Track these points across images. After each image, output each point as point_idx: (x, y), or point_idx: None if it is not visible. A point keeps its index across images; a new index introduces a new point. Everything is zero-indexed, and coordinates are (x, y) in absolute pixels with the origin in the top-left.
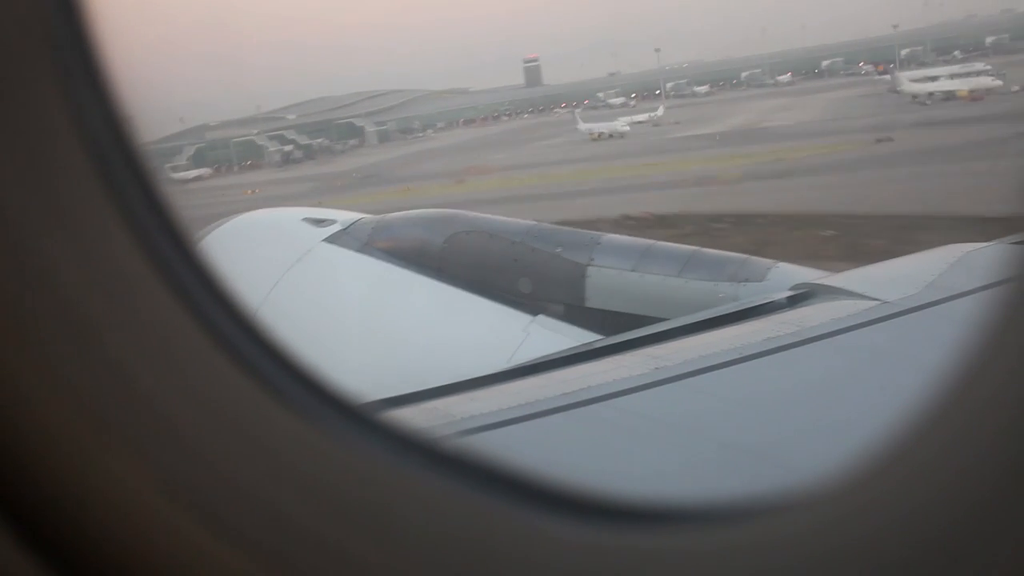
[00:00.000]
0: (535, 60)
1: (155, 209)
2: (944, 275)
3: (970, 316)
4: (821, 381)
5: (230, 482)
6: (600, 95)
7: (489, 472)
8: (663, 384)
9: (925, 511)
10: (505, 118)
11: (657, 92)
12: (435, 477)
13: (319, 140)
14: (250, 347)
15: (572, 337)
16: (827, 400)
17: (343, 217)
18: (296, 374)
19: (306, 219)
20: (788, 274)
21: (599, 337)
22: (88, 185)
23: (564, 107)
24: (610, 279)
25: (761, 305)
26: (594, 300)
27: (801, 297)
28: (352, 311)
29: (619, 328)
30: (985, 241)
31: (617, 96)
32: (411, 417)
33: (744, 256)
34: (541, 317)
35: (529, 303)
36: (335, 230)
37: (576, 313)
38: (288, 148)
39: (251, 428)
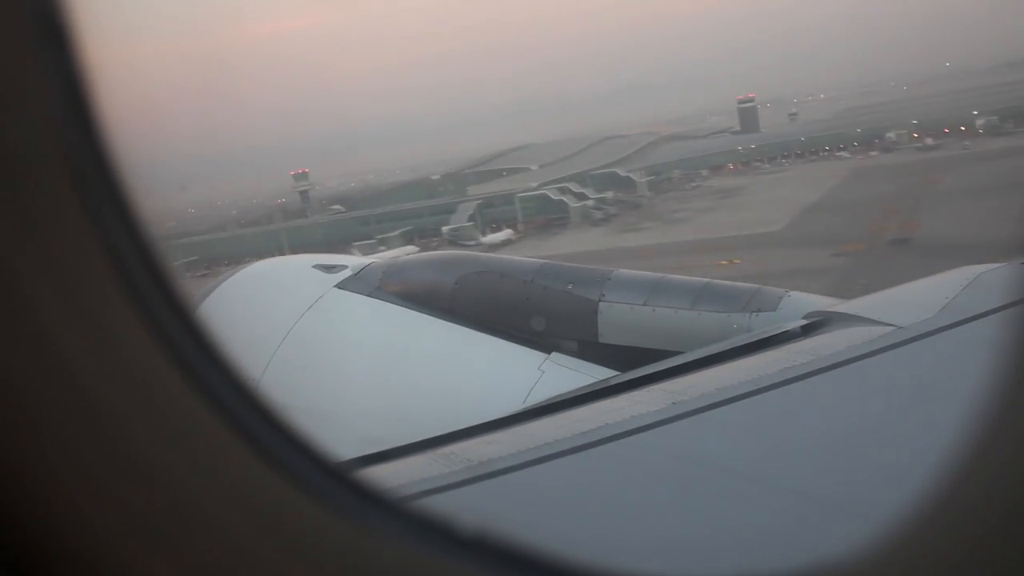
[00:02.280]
0: (751, 101)
1: (169, 301)
2: (958, 297)
3: (988, 338)
4: (840, 411)
5: (244, 561)
6: (891, 135)
7: (514, 557)
8: (681, 419)
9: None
10: (763, 164)
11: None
12: (454, 560)
13: (607, 193)
14: (265, 431)
15: (587, 374)
16: (847, 430)
17: (354, 262)
18: (313, 457)
19: (317, 265)
20: (800, 303)
21: (614, 373)
22: (104, 279)
23: (844, 149)
24: (622, 314)
25: (775, 335)
26: (607, 336)
27: (815, 326)
28: (366, 355)
29: (634, 363)
30: (998, 262)
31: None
32: (428, 463)
33: (756, 286)
34: (555, 355)
35: (543, 341)
36: (346, 275)
37: (590, 349)
38: (589, 203)
39: (267, 510)
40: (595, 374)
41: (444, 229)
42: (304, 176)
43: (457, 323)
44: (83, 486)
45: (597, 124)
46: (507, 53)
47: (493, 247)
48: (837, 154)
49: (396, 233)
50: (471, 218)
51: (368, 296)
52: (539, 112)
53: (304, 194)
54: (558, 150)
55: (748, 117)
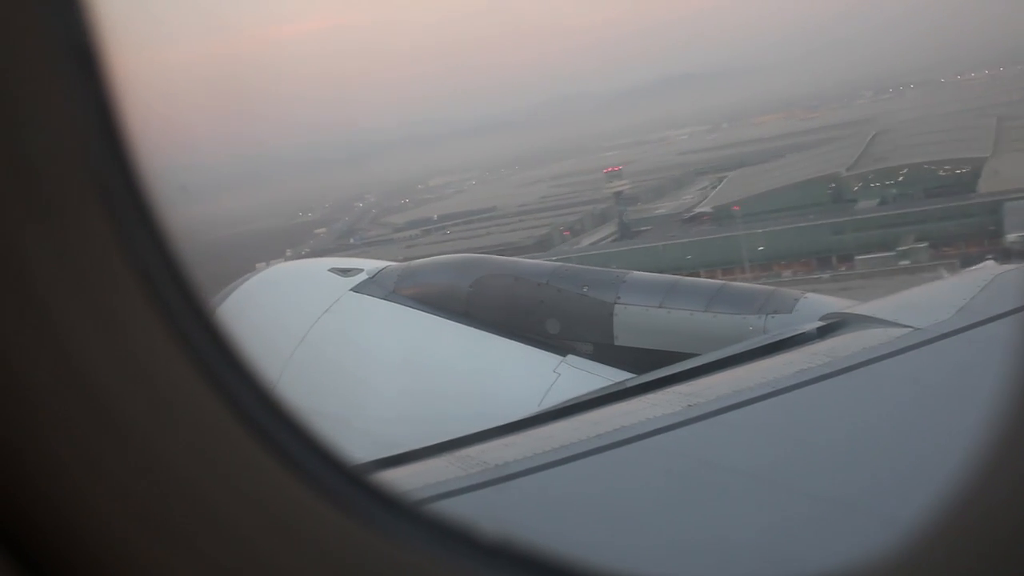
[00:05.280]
0: None
1: (190, 306)
2: (975, 299)
3: (1006, 340)
4: (857, 413)
5: (260, 563)
6: None
7: (535, 565)
8: (696, 422)
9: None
10: None
11: None
12: (476, 567)
13: None
14: (283, 433)
15: (603, 376)
16: (864, 433)
17: (369, 266)
18: (330, 461)
19: (333, 269)
20: (816, 305)
21: (630, 375)
22: (128, 287)
23: None
24: (638, 316)
25: (791, 337)
26: (623, 338)
27: (831, 327)
28: (382, 358)
29: (649, 365)
30: (1016, 262)
31: None
32: (446, 466)
33: (771, 288)
34: (571, 357)
35: (558, 344)
36: (362, 279)
37: (605, 352)
38: None
39: (284, 513)
40: (611, 376)
41: (1012, 237)
42: (618, 174)
43: (472, 326)
44: (101, 488)
45: (654, 117)
46: (534, 51)
47: None
48: None
49: (921, 244)
50: None
51: (384, 300)
52: (581, 108)
53: (619, 195)
54: (928, 138)
55: None
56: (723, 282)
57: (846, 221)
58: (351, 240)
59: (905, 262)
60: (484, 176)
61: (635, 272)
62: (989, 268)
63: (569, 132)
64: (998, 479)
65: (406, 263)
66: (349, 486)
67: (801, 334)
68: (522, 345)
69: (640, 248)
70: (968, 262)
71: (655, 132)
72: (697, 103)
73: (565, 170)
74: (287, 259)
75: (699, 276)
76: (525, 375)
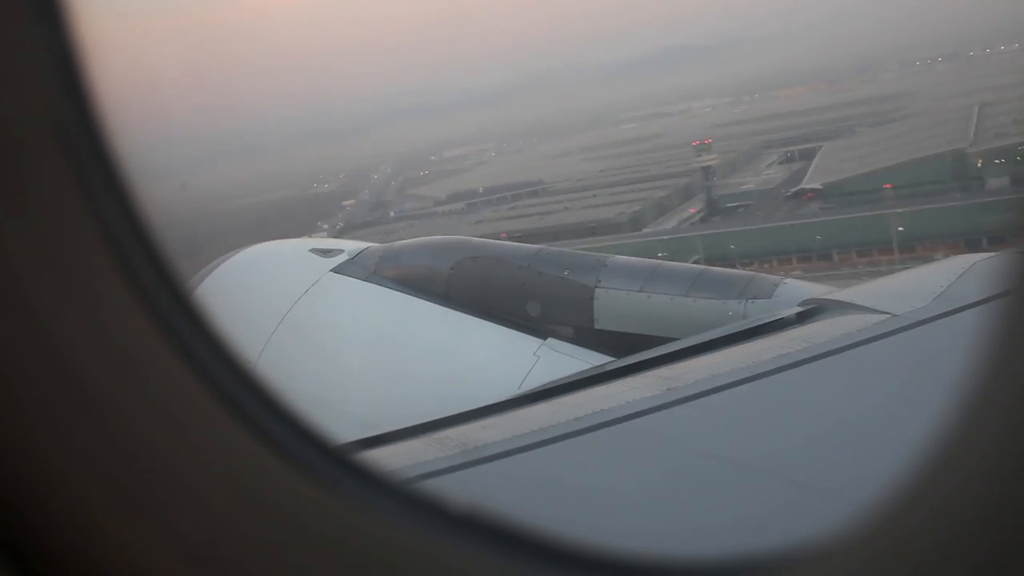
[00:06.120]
0: None
1: (167, 286)
2: (953, 286)
3: (979, 328)
4: (834, 397)
5: (246, 548)
6: None
7: (504, 534)
8: (675, 405)
9: (943, 555)
10: None
11: None
12: (446, 538)
13: None
14: (262, 413)
15: (582, 359)
16: (841, 417)
17: (350, 247)
18: (310, 439)
19: (313, 250)
20: (796, 290)
21: (610, 359)
22: (99, 259)
23: None
24: (618, 300)
25: (770, 322)
26: (603, 322)
27: (810, 313)
28: (361, 340)
29: (629, 349)
30: (993, 251)
31: None
32: (424, 447)
33: (751, 273)
34: (551, 340)
35: (538, 327)
36: (342, 260)
37: (586, 335)
38: None
39: (265, 493)
40: (590, 360)
41: None
42: (707, 147)
43: (453, 308)
44: (82, 472)
45: (663, 89)
46: (528, 20)
47: None
48: None
49: None
50: None
51: (364, 281)
52: (581, 79)
53: (707, 171)
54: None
55: None
56: (703, 267)
57: (996, 201)
58: (391, 213)
59: None
60: (502, 147)
61: (616, 256)
62: (967, 256)
63: (575, 103)
64: (957, 462)
65: (387, 244)
66: (327, 462)
67: (780, 319)
68: (502, 328)
69: (762, 228)
70: None
71: (673, 104)
72: (704, 74)
73: (592, 142)
74: (323, 232)
75: (832, 258)
76: (505, 358)
